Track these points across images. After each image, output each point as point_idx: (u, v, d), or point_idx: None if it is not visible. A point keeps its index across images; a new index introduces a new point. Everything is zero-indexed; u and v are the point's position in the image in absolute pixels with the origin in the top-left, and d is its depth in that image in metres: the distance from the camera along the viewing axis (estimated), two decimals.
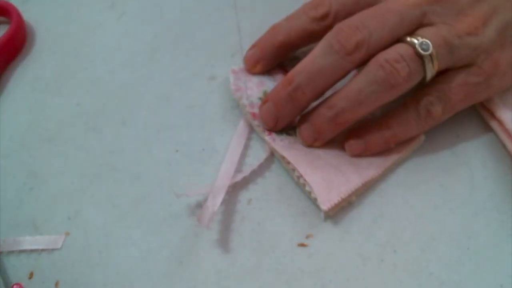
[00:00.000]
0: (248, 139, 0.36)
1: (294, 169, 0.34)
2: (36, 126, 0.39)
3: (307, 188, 0.33)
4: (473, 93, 0.34)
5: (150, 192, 0.35)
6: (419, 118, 0.34)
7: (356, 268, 0.32)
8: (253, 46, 0.37)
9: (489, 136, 0.36)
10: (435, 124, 0.34)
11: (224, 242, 0.33)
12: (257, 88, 0.37)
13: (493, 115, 0.35)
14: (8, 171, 0.37)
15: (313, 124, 0.34)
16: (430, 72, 0.32)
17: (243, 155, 0.36)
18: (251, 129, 0.37)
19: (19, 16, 0.43)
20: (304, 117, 0.35)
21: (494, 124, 0.35)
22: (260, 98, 0.36)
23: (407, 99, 0.34)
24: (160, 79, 0.39)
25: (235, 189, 0.35)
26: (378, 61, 0.32)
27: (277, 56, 0.37)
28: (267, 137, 0.35)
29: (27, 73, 0.41)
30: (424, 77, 0.32)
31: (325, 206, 0.32)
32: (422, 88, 0.34)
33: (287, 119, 0.35)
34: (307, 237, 0.33)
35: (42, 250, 0.34)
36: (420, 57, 0.32)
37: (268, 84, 0.37)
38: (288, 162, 0.34)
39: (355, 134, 0.35)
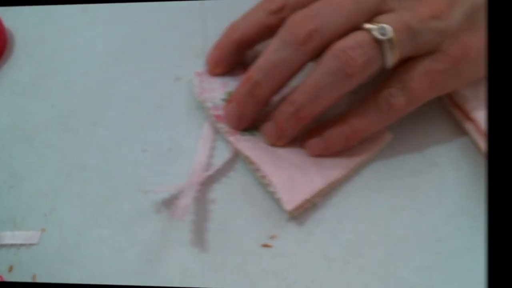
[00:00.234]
0: (214, 140, 0.38)
1: (258, 169, 0.35)
2: (15, 128, 0.41)
3: (271, 188, 0.34)
4: (439, 82, 0.32)
5: (119, 191, 0.37)
6: (380, 111, 0.33)
7: (321, 270, 0.32)
8: (213, 47, 0.38)
9: (461, 136, 0.35)
10: (399, 117, 0.33)
11: (189, 241, 0.34)
12: (220, 89, 0.38)
13: (465, 114, 0.35)
14: None
15: (275, 122, 0.35)
16: (391, 59, 0.31)
17: (209, 156, 0.37)
18: (216, 131, 0.38)
19: (1, 24, 0.45)
20: (268, 115, 0.36)
21: (466, 124, 0.35)
22: (223, 100, 0.38)
23: (369, 92, 0.33)
24: (129, 80, 0.41)
25: (200, 188, 0.36)
26: (333, 51, 0.31)
27: (236, 54, 0.37)
28: (231, 138, 0.36)
29: (6, 78, 0.44)
30: (385, 66, 0.31)
31: (288, 206, 0.33)
32: (384, 79, 0.33)
33: (250, 117, 0.36)
34: (271, 237, 0.34)
35: (21, 245, 0.37)
36: (379, 43, 0.31)
37: (232, 84, 0.38)
38: (252, 162, 0.35)
39: (316, 133, 0.35)
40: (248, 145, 0.36)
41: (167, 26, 0.44)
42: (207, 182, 0.36)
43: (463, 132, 0.35)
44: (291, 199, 0.33)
